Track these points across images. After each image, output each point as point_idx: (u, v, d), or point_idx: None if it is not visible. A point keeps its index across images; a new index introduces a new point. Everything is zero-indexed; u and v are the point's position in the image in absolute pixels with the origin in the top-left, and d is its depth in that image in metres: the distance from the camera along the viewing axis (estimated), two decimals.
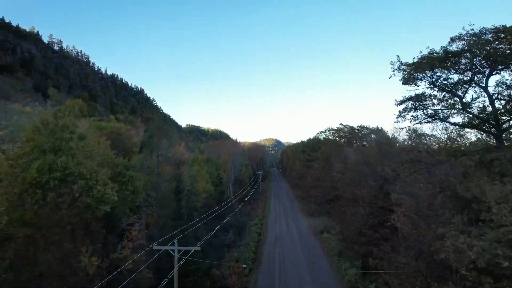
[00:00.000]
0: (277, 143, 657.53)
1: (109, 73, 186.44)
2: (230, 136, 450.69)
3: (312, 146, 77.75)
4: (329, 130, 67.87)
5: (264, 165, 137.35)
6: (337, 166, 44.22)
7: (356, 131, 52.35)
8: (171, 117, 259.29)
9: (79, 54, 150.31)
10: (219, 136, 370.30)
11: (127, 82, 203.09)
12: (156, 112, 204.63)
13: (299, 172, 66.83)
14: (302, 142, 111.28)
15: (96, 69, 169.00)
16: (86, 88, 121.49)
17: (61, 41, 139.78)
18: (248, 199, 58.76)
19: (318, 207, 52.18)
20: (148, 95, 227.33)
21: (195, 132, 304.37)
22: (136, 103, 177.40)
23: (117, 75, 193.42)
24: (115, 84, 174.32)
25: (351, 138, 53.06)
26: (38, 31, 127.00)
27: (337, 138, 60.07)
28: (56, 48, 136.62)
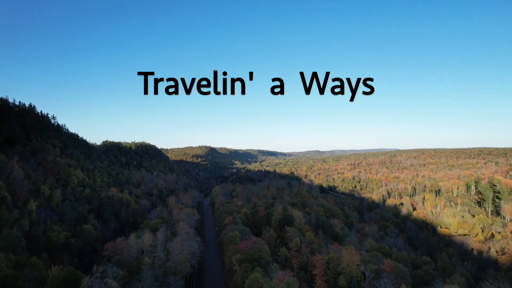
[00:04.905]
0: (211, 151, 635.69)
1: None
2: (157, 147, 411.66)
3: None
4: None
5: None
6: None
7: None
8: (79, 136, 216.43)
9: None
10: (144, 151, 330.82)
11: (7, 98, 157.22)
12: (54, 136, 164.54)
13: None
14: None
15: None
16: None
17: None
18: None
19: None
20: (45, 113, 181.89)
21: (113, 151, 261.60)
22: (20, 129, 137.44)
23: None
24: None
25: None
26: None
27: None
28: None
